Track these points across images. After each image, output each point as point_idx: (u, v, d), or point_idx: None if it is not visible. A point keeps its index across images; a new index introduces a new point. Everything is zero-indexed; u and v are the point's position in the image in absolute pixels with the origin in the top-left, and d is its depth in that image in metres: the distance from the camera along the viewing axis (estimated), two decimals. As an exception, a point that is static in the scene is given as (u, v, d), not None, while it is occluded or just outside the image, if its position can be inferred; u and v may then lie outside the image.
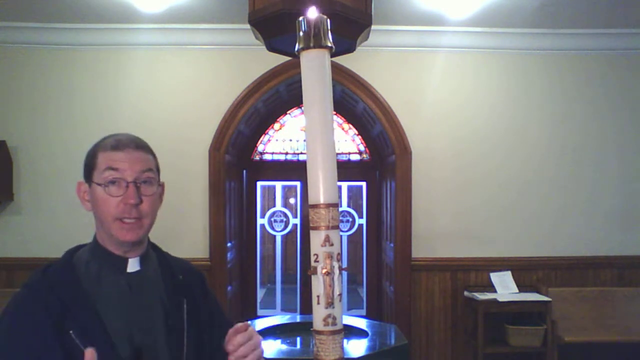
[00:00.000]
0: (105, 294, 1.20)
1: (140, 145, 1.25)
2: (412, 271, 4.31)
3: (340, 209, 4.38)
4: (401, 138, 4.30)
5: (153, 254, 1.33)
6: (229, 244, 4.37)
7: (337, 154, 4.37)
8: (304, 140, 3.96)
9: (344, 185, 5.14)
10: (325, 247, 1.02)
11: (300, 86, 1.06)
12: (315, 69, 1.04)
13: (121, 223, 1.20)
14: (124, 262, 1.24)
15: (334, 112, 3.35)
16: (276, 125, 4.80)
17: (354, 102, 4.50)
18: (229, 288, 4.39)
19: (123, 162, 1.21)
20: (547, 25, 4.19)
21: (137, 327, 1.21)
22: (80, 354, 1.09)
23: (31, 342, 1.11)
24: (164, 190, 1.33)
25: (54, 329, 1.11)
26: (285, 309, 5.28)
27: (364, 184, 4.96)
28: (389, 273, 4.58)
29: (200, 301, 1.35)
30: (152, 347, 1.22)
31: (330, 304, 1.02)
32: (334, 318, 1.03)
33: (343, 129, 4.79)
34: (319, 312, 1.03)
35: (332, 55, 1.07)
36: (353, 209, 5.09)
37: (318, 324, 1.03)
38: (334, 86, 4.22)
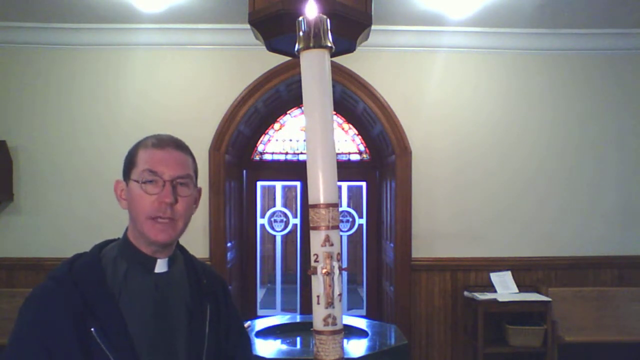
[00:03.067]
0: (130, 293, 1.19)
1: (180, 146, 1.25)
2: (412, 271, 4.31)
3: (340, 209, 4.38)
4: (401, 138, 4.30)
5: (180, 256, 1.33)
6: (229, 244, 4.37)
7: (337, 154, 4.36)
8: (304, 140, 3.96)
9: (344, 185, 5.14)
10: (325, 247, 1.02)
11: (300, 86, 1.06)
12: (315, 69, 1.04)
13: (154, 222, 1.19)
14: (153, 262, 1.24)
15: (334, 112, 3.35)
16: (276, 125, 4.80)
17: (354, 102, 4.50)
18: (229, 288, 4.39)
19: (162, 161, 1.20)
20: (547, 25, 4.19)
21: (159, 329, 1.20)
22: (100, 352, 1.10)
23: (49, 335, 1.11)
24: (200, 196, 1.32)
25: (75, 326, 1.11)
26: (285, 309, 5.28)
27: (364, 184, 4.95)
28: (389, 273, 4.58)
29: (222, 308, 1.35)
30: (172, 350, 1.22)
31: (330, 304, 1.02)
32: (334, 318, 1.03)
33: (343, 129, 4.79)
34: (319, 312, 1.03)
35: (332, 55, 1.07)
36: (353, 209, 5.09)
37: (318, 324, 1.03)
38: (334, 86, 4.22)
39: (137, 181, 1.19)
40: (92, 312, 1.13)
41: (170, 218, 1.19)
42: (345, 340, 1.34)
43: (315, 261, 1.03)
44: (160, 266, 1.25)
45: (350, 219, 5.03)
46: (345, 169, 4.72)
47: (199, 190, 1.31)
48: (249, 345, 1.47)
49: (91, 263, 1.20)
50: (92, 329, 1.11)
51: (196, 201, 1.29)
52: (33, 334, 1.12)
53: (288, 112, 4.78)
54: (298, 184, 4.96)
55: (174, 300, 1.25)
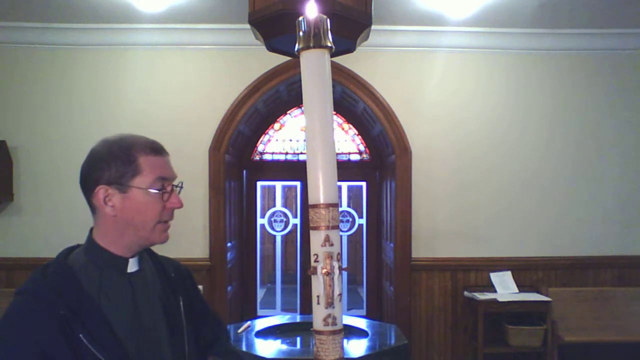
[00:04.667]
0: (108, 295, 1.19)
1: (166, 150, 1.30)
2: (412, 271, 4.31)
3: (340, 209, 4.38)
4: (401, 138, 4.30)
5: (144, 253, 1.33)
6: (229, 244, 4.37)
7: (337, 154, 4.37)
8: (304, 140, 3.96)
9: (344, 185, 5.14)
10: (325, 247, 1.02)
11: (300, 86, 1.06)
12: (315, 69, 1.04)
13: (163, 226, 1.25)
14: (125, 262, 1.25)
15: (334, 112, 3.35)
16: (276, 125, 4.80)
17: (354, 102, 4.50)
18: (229, 288, 4.39)
19: (166, 168, 1.26)
20: (547, 25, 4.19)
21: (142, 327, 1.22)
22: (92, 357, 1.09)
23: (42, 349, 1.08)
24: None
25: (64, 335, 1.09)
26: (285, 309, 5.28)
27: (364, 184, 4.95)
28: (389, 273, 4.58)
29: (193, 297, 1.39)
30: (158, 346, 1.23)
31: (330, 304, 1.02)
32: (334, 318, 1.03)
33: (343, 129, 4.79)
34: (319, 312, 1.03)
35: (332, 55, 1.07)
36: (353, 209, 5.09)
37: (318, 324, 1.03)
38: (334, 86, 4.22)
39: (146, 189, 1.21)
40: (77, 319, 1.11)
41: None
42: (345, 340, 1.35)
43: (315, 261, 1.03)
44: (132, 265, 1.26)
45: (350, 219, 5.03)
46: (345, 169, 4.72)
47: None
48: (225, 330, 1.53)
49: (64, 272, 1.18)
50: (81, 335, 1.10)
51: None
52: (25, 350, 1.08)
53: (288, 112, 4.78)
54: (298, 184, 4.96)
55: (150, 296, 1.27)
